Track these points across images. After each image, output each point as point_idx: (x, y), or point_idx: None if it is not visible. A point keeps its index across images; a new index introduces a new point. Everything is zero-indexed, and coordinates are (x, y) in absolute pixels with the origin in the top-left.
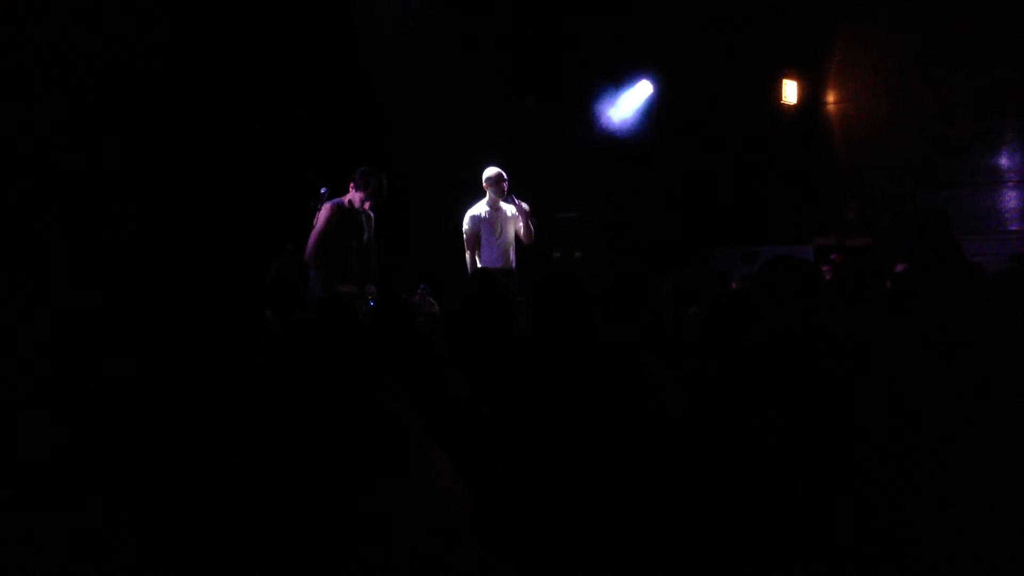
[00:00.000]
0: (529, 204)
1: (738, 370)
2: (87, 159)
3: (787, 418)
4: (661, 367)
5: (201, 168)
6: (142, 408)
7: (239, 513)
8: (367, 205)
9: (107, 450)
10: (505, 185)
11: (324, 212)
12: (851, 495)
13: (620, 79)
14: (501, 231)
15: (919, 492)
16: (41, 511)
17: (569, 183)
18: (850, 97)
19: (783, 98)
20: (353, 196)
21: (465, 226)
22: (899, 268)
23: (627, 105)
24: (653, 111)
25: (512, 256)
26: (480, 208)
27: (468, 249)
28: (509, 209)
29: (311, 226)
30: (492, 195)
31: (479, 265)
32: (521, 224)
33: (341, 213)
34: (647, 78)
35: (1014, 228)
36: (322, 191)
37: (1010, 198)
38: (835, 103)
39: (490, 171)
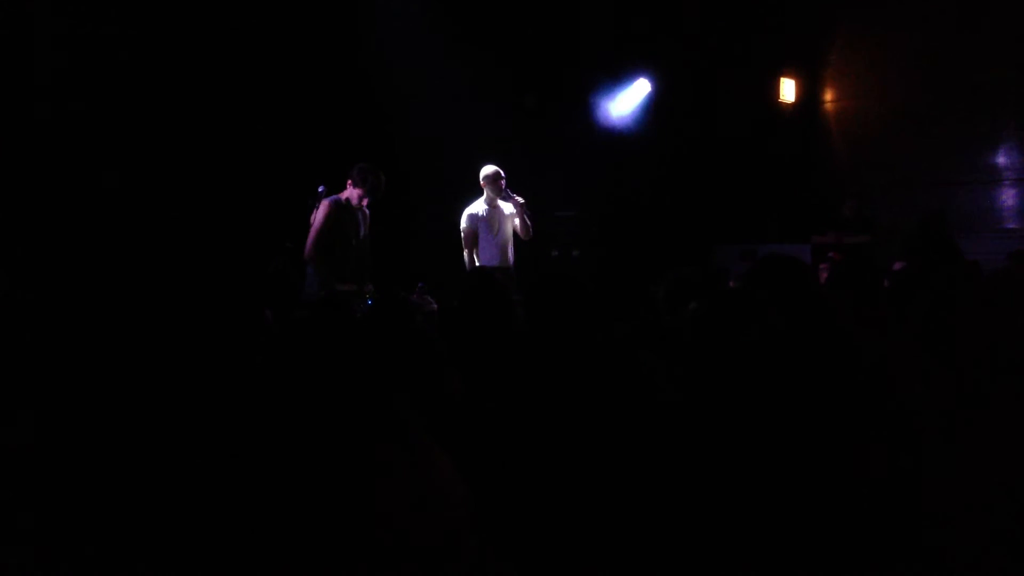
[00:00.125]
0: (527, 202)
1: (736, 368)
2: (86, 158)
3: (784, 413)
4: (659, 364)
5: (200, 167)
6: (142, 408)
7: (240, 512)
8: (365, 202)
9: (108, 450)
10: (503, 183)
11: (323, 209)
12: (850, 492)
13: (619, 77)
14: (499, 229)
15: (919, 490)
16: (41, 511)
17: (568, 181)
18: (848, 95)
19: (781, 96)
20: (351, 193)
21: (463, 224)
22: (897, 266)
23: (625, 103)
24: (651, 109)
25: (510, 254)
26: (478, 206)
27: (466, 247)
28: (507, 207)
29: (309, 224)
30: (490, 193)
31: (477, 263)
32: (518, 220)
33: (340, 210)
34: (645, 76)
35: (1011, 226)
36: (319, 189)
37: (1007, 196)
38: (833, 101)
39: (488, 169)
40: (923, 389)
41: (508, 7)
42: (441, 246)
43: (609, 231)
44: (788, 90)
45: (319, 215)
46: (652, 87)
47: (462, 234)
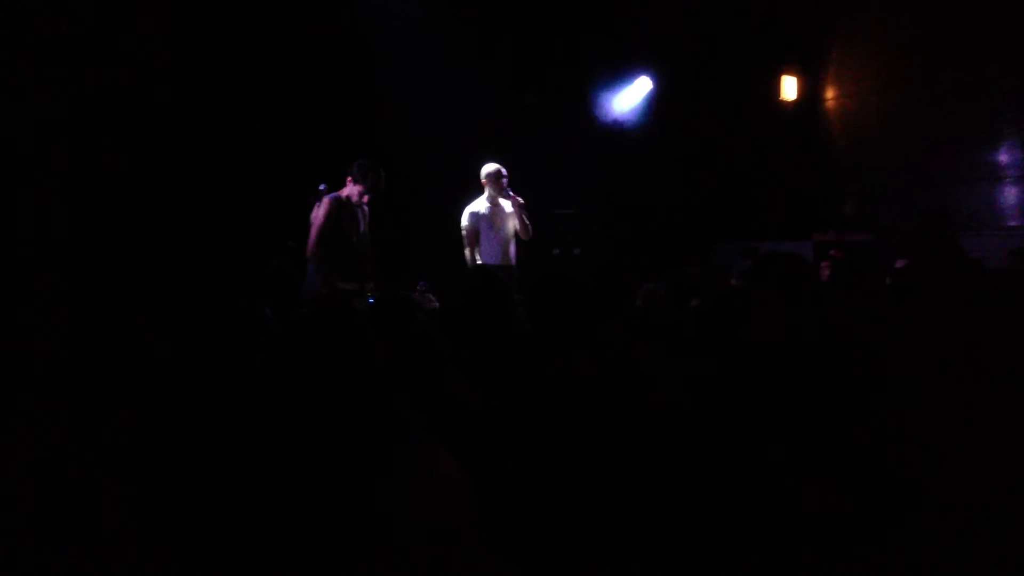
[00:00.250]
0: (528, 200)
1: (737, 366)
2: (88, 157)
3: (785, 410)
4: (661, 363)
5: (201, 166)
6: (143, 408)
7: (241, 512)
8: (365, 199)
9: (108, 450)
10: (504, 181)
11: (324, 207)
12: (852, 489)
13: (620, 75)
14: (500, 227)
15: (919, 489)
16: (41, 511)
17: (569, 179)
18: (849, 93)
19: (782, 94)
20: (351, 190)
21: (464, 222)
22: (899, 264)
23: (627, 101)
24: (652, 107)
25: (512, 252)
26: (479, 204)
27: (467, 246)
28: (508, 205)
29: (309, 222)
30: (491, 191)
31: (479, 262)
32: (517, 219)
33: (340, 207)
34: (646, 74)
35: (1013, 224)
36: (320, 187)
37: (1009, 194)
38: (834, 99)
39: (489, 167)
40: (924, 387)
41: (508, 5)
42: (442, 244)
43: (610, 229)
44: (789, 88)
45: (320, 213)
46: (653, 85)
47: (463, 232)
